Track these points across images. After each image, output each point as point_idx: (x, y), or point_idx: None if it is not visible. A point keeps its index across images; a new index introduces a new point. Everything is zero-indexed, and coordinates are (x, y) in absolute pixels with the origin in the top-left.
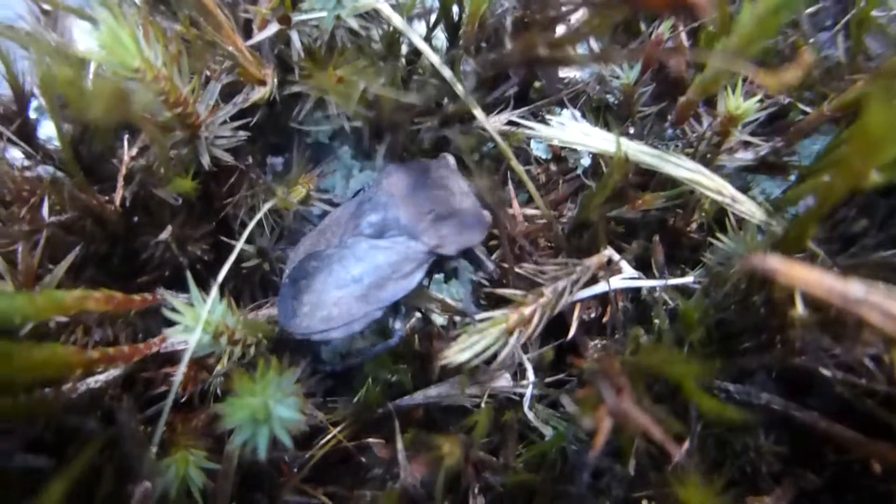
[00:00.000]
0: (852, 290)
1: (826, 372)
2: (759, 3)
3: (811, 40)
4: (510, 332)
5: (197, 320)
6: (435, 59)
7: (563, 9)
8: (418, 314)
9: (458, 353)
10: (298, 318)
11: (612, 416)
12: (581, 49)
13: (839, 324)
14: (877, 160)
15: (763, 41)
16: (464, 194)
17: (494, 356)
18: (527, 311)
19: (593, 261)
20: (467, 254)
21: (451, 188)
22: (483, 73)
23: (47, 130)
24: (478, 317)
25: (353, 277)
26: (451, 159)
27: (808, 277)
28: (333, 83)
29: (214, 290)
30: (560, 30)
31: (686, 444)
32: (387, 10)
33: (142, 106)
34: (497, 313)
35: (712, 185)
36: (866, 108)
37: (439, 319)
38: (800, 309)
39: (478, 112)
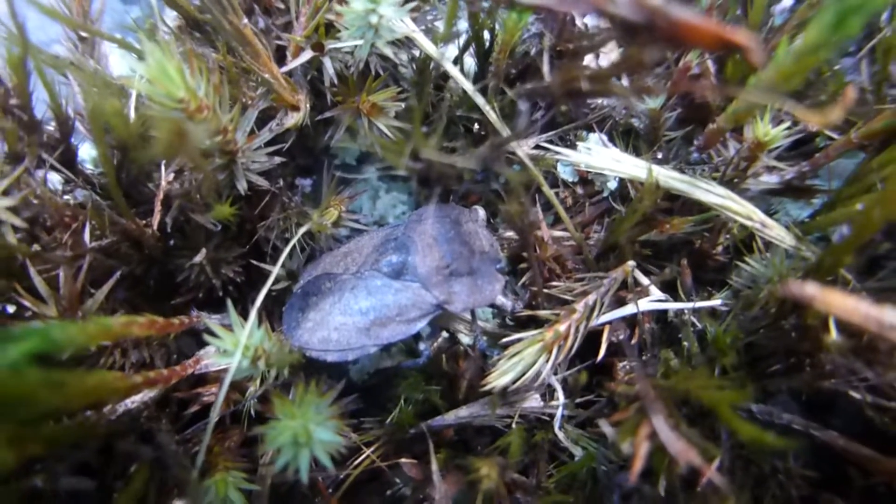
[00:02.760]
0: (888, 317)
1: (856, 395)
2: (797, 41)
3: (836, 66)
4: (549, 350)
5: (237, 345)
6: (469, 88)
7: (597, 39)
8: (445, 334)
9: (499, 377)
10: (300, 331)
11: (650, 440)
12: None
13: (871, 349)
14: None
15: (800, 77)
16: (484, 254)
17: (536, 376)
18: (562, 328)
19: (619, 272)
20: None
21: (473, 245)
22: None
23: (83, 154)
24: (511, 338)
25: (360, 309)
26: (481, 213)
27: (845, 305)
28: (384, 141)
29: (253, 315)
30: (588, 58)
31: (716, 465)
32: (422, 40)
33: (199, 140)
34: (530, 333)
35: (743, 210)
36: None
37: (466, 339)
38: (834, 335)
39: (518, 148)
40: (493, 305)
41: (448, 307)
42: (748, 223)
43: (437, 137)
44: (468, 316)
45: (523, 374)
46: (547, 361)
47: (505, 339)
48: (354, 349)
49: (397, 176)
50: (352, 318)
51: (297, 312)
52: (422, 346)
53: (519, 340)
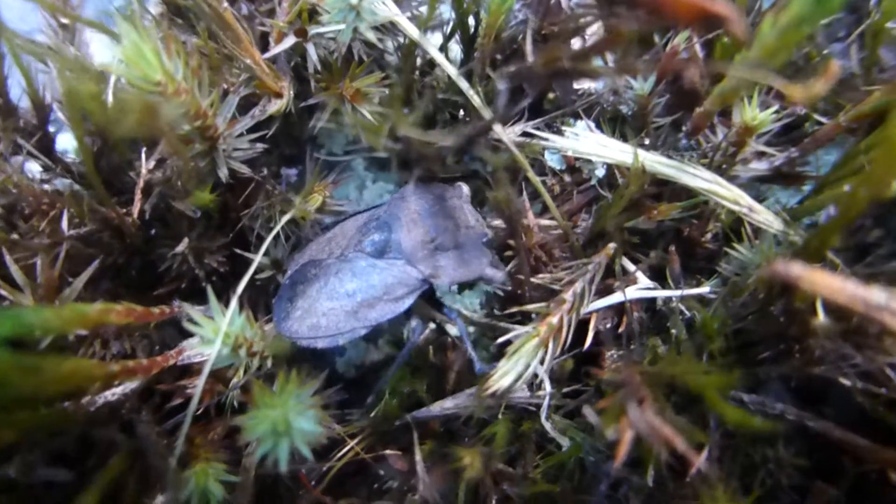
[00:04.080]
0: (875, 297)
1: (846, 381)
2: (781, 16)
3: (825, 51)
4: (545, 346)
5: (217, 333)
6: (453, 72)
7: (582, 21)
8: (433, 325)
9: (501, 378)
10: (290, 321)
11: (635, 427)
12: (597, 61)
13: (860, 333)
14: None
15: (785, 53)
16: (469, 228)
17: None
18: (554, 320)
19: (602, 256)
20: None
21: (458, 220)
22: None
23: (63, 143)
24: (506, 337)
25: (347, 292)
26: (465, 189)
27: (831, 284)
28: (361, 98)
29: (234, 303)
30: (574, 41)
31: (705, 454)
32: (405, 23)
33: (168, 119)
34: (524, 329)
35: (730, 195)
36: (890, 122)
37: (453, 330)
38: (821, 317)
39: (497, 127)
40: (482, 279)
41: (435, 281)
42: (735, 208)
43: (417, 116)
44: (455, 307)
45: (525, 372)
46: (545, 356)
47: (501, 339)
48: (344, 333)
49: (384, 165)
50: (339, 302)
51: (286, 303)
52: (413, 322)
53: (511, 340)
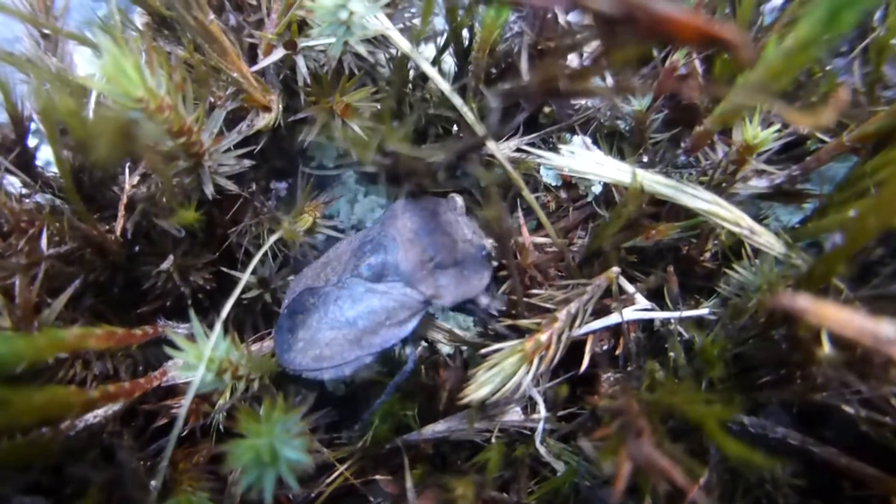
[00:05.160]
0: (884, 331)
1: (849, 409)
2: (788, 38)
3: (828, 67)
4: (529, 361)
5: (200, 358)
6: (446, 87)
7: (579, 37)
8: (424, 343)
9: (477, 389)
10: (292, 354)
11: (633, 460)
12: (594, 78)
13: (865, 362)
14: None
15: (791, 76)
16: (467, 242)
17: (516, 388)
18: (543, 337)
19: (602, 279)
20: (465, 303)
21: (455, 235)
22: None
23: (45, 156)
24: (490, 348)
25: (348, 320)
26: (459, 200)
27: (839, 318)
28: (351, 113)
29: (218, 327)
30: (571, 57)
31: (703, 480)
32: (397, 37)
33: (146, 140)
34: (509, 343)
35: (730, 216)
36: None
37: (446, 349)
38: (826, 347)
39: (490, 143)
40: (479, 305)
41: (437, 302)
42: (736, 229)
43: (406, 131)
44: (447, 325)
45: (503, 386)
46: (528, 372)
47: (484, 350)
48: (350, 363)
49: (376, 178)
50: (341, 331)
51: (287, 334)
52: (408, 349)
53: (498, 350)
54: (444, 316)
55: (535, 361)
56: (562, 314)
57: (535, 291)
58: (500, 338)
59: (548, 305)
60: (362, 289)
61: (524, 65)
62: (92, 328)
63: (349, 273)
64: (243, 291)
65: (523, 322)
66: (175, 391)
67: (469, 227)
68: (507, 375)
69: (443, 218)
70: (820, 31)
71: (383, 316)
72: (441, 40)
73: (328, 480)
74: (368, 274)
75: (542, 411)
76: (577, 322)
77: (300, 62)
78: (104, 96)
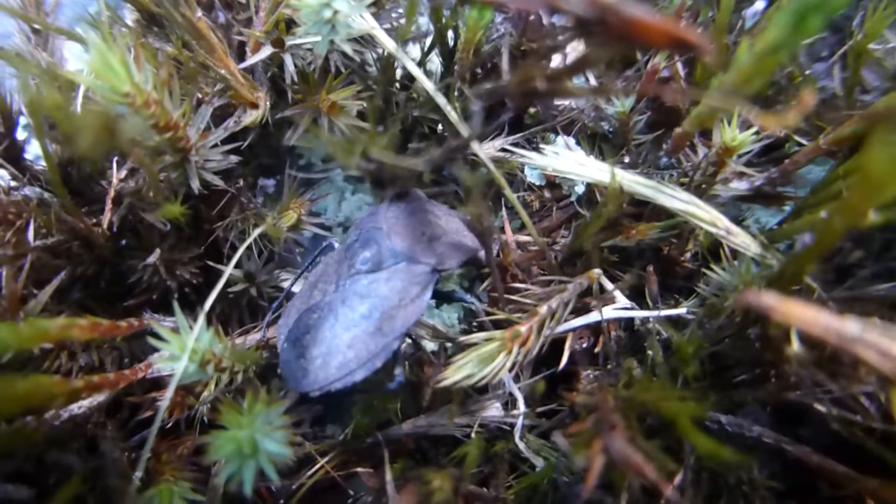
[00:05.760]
0: (849, 329)
1: (821, 408)
2: (757, 42)
3: (807, 71)
4: (508, 350)
5: (183, 349)
6: (430, 87)
7: (561, 38)
8: (408, 340)
9: (455, 373)
10: (311, 375)
11: (605, 454)
12: (578, 79)
13: (835, 361)
14: (876, 201)
15: (761, 79)
16: (448, 215)
17: (494, 377)
18: (522, 328)
19: (583, 279)
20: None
21: (435, 213)
22: (485, 107)
23: (35, 149)
24: (470, 337)
25: (362, 314)
26: (421, 194)
27: (805, 315)
28: (336, 140)
29: (201, 319)
30: (556, 58)
31: (678, 479)
32: (382, 36)
33: (131, 134)
34: (488, 333)
35: (707, 217)
36: (867, 150)
37: (430, 345)
38: (795, 346)
39: (475, 145)
40: (479, 260)
41: (443, 267)
42: (713, 230)
43: (391, 137)
44: (431, 322)
45: (480, 372)
46: (506, 361)
47: (463, 338)
48: (378, 354)
49: (363, 177)
50: (358, 328)
51: (296, 362)
52: (397, 370)
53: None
54: (428, 313)
55: (515, 350)
56: (542, 308)
57: (516, 286)
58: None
59: (529, 301)
60: (366, 281)
61: (506, 65)
62: (76, 318)
63: (346, 275)
64: (229, 285)
65: (503, 314)
66: (160, 383)
67: (440, 207)
68: (485, 360)
69: (417, 203)
70: (787, 35)
71: (396, 298)
72: (427, 40)
73: (309, 473)
74: (367, 266)
75: (521, 407)
76: (558, 316)
77: (288, 60)
78: (92, 91)
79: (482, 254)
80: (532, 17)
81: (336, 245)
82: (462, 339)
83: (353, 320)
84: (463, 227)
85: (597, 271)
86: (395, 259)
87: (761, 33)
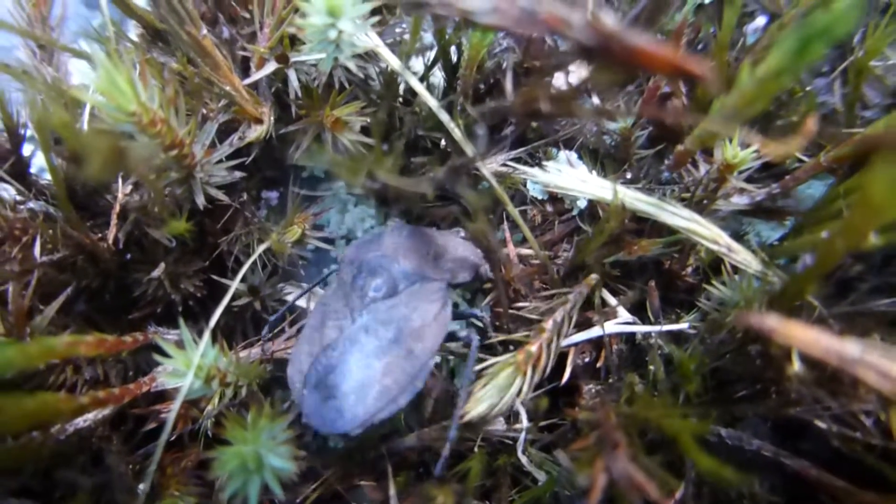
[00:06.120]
0: (849, 351)
1: (821, 424)
2: (761, 66)
3: (808, 87)
4: (522, 373)
5: (189, 365)
6: (434, 104)
7: (564, 57)
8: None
9: (475, 406)
10: (348, 413)
11: (608, 473)
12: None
13: (835, 380)
14: (877, 224)
15: (763, 102)
16: (442, 235)
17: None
18: (533, 348)
19: (583, 286)
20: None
21: (429, 234)
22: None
23: (40, 162)
24: (485, 363)
25: (390, 340)
26: (403, 224)
27: (806, 338)
28: (340, 160)
29: (207, 335)
30: (558, 76)
31: (679, 494)
32: (386, 54)
33: (141, 157)
34: (501, 358)
35: (708, 234)
36: (868, 173)
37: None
38: (796, 366)
39: (483, 167)
40: (481, 272)
41: (457, 282)
42: (714, 247)
43: (396, 157)
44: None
45: (500, 400)
46: (522, 384)
47: (478, 367)
48: (417, 375)
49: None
50: (389, 353)
51: (324, 405)
52: (464, 333)
53: (491, 365)
54: None
55: (528, 372)
56: (548, 324)
57: (520, 304)
58: (489, 352)
59: (533, 316)
60: (385, 307)
61: (509, 85)
62: (82, 336)
63: (360, 307)
64: (233, 299)
65: (511, 336)
66: (164, 396)
67: (436, 231)
68: (503, 389)
69: (407, 229)
70: (791, 60)
71: (419, 319)
72: (430, 54)
73: (313, 486)
74: (383, 292)
75: (524, 421)
76: (563, 330)
77: (292, 76)
78: (97, 109)
79: (484, 268)
80: (535, 36)
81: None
82: (477, 367)
83: (383, 347)
84: (460, 243)
85: (594, 276)
86: (409, 281)
87: (764, 57)
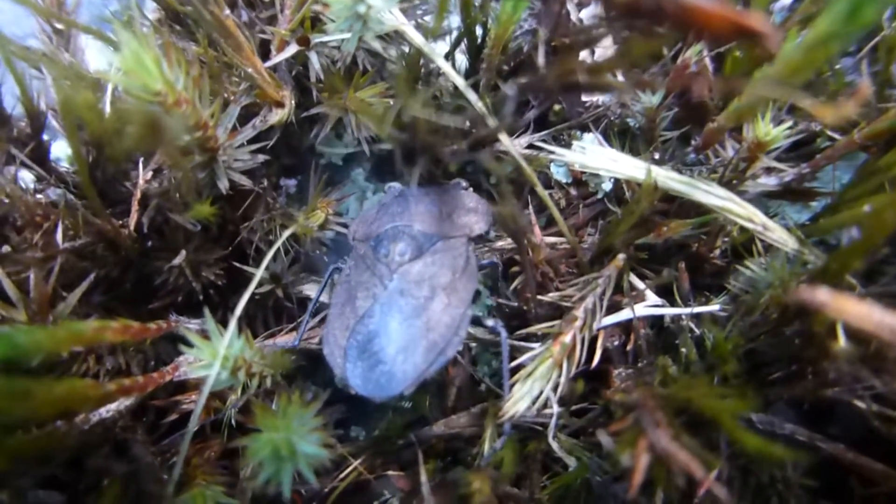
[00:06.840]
0: None
1: (861, 404)
2: (808, 32)
3: (836, 66)
4: (559, 366)
5: (215, 356)
6: (461, 83)
7: (594, 33)
8: None
9: (515, 405)
10: (398, 374)
11: (652, 452)
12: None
13: (879, 357)
14: None
15: (809, 71)
16: (447, 190)
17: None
18: (567, 339)
19: (611, 268)
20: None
21: (435, 192)
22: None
23: (57, 151)
24: (521, 359)
25: (426, 297)
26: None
27: (858, 311)
28: (364, 105)
29: (233, 325)
30: (584, 54)
31: (715, 475)
32: (411, 32)
33: (175, 132)
34: (537, 350)
35: (743, 212)
36: None
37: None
38: (842, 342)
39: (504, 137)
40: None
41: (475, 233)
42: (749, 226)
43: (425, 98)
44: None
45: (539, 397)
46: (559, 377)
47: (514, 363)
48: (460, 325)
49: (384, 176)
50: (429, 309)
51: (372, 371)
52: (490, 322)
53: (524, 364)
54: None
55: (564, 365)
56: (579, 311)
57: (550, 294)
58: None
59: (563, 304)
60: (414, 269)
61: (542, 59)
62: (109, 321)
63: (388, 274)
64: (256, 287)
65: (541, 326)
66: (185, 387)
67: (439, 188)
68: (542, 384)
69: (418, 191)
70: (840, 25)
71: (450, 273)
72: (452, 36)
73: (341, 476)
74: (408, 256)
75: (554, 407)
76: (596, 316)
77: (313, 58)
78: (120, 90)
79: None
80: (563, 13)
81: (343, 266)
82: (513, 363)
83: (421, 305)
84: (466, 195)
85: (622, 257)
86: (432, 240)
87: (807, 26)
